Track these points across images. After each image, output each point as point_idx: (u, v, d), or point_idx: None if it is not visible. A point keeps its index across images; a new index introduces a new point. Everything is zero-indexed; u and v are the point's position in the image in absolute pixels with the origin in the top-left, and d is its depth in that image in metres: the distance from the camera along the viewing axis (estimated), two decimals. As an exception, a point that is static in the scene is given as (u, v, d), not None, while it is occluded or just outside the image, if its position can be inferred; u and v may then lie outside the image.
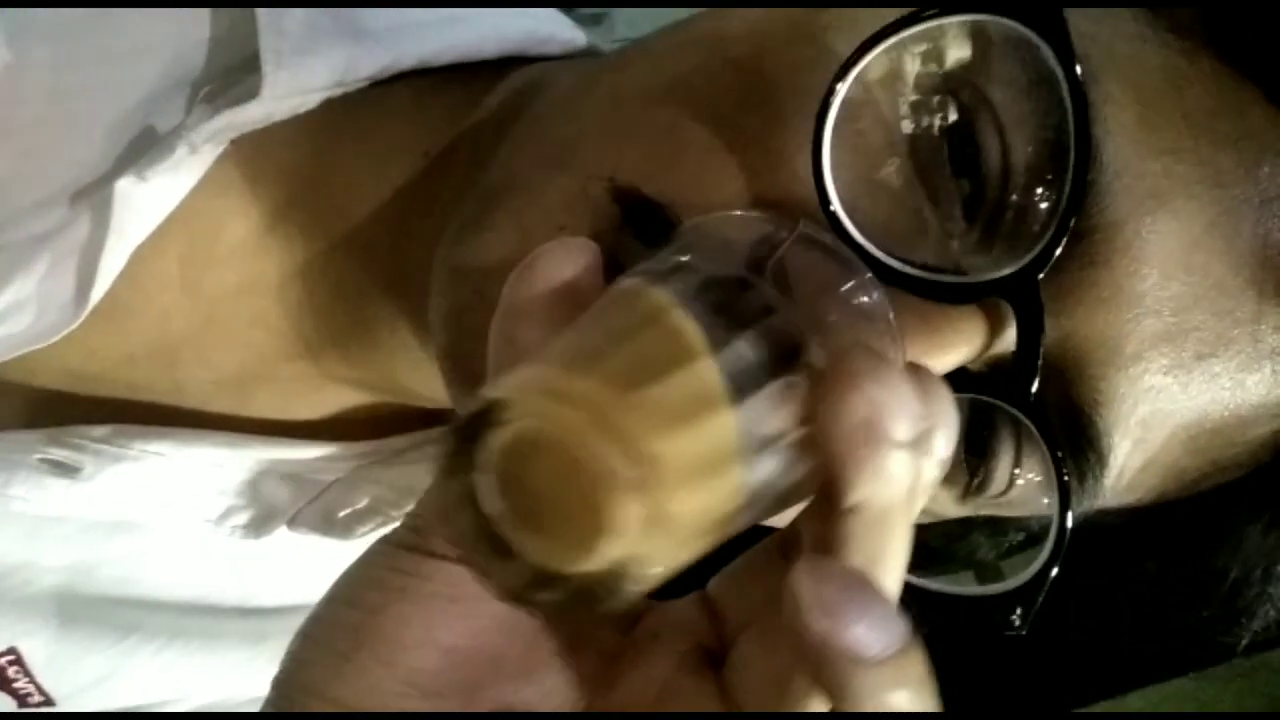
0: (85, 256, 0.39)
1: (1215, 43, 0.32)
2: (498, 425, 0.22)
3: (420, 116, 0.43)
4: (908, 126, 0.31)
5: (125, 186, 0.38)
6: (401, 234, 0.42)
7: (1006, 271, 0.30)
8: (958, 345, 0.30)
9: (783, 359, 0.23)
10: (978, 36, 0.31)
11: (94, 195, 0.39)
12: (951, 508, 0.35)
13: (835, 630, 0.22)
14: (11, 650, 0.42)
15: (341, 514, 0.44)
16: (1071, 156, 0.29)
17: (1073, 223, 0.29)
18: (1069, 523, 0.31)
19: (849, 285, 0.28)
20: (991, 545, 0.37)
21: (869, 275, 0.28)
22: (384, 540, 0.27)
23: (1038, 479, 0.32)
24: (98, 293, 0.39)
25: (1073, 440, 0.32)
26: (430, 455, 0.47)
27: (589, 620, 0.24)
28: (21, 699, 0.43)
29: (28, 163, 0.40)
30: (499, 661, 0.26)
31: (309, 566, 0.47)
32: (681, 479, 0.21)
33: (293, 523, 0.44)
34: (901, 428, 0.23)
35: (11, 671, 0.43)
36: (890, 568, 0.24)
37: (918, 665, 0.22)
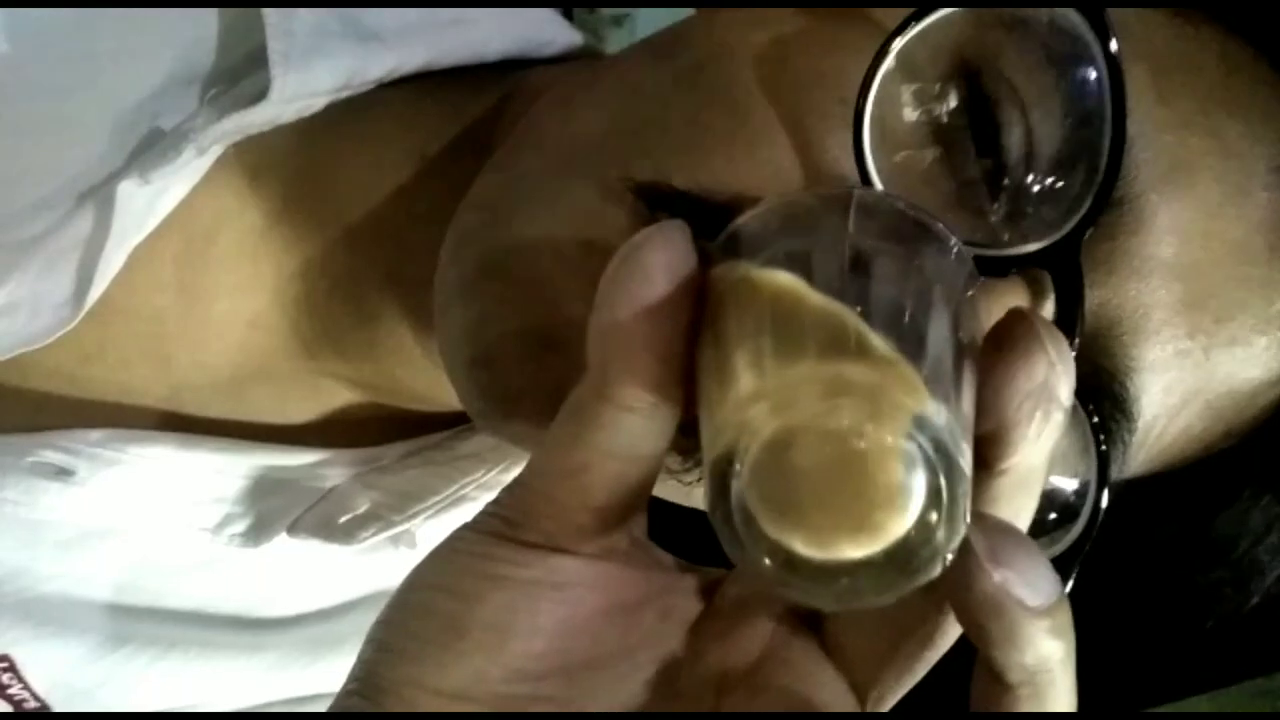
0: (85, 257, 0.39)
1: (1219, 14, 0.33)
2: (752, 435, 0.22)
3: (420, 118, 0.43)
4: (934, 110, 0.32)
5: (128, 188, 0.38)
6: (399, 234, 0.42)
7: (1046, 242, 0.31)
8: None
9: (953, 324, 0.24)
10: (1002, 16, 0.32)
11: (96, 195, 0.39)
12: None
13: (1011, 580, 0.23)
14: (5, 657, 0.42)
15: (342, 520, 0.44)
16: (1108, 130, 0.30)
17: (1108, 196, 0.30)
18: (1106, 488, 0.32)
19: (943, 244, 0.27)
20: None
21: (941, 226, 0.27)
22: (470, 529, 0.27)
23: (1072, 451, 0.33)
24: (95, 293, 0.39)
25: (1105, 406, 0.33)
26: (426, 460, 0.47)
27: (885, 599, 0.24)
28: (16, 705, 0.42)
29: (27, 161, 0.40)
30: (599, 641, 0.27)
31: (306, 577, 0.47)
32: (956, 441, 0.22)
33: (293, 529, 0.44)
34: (1065, 391, 0.24)
35: (6, 678, 0.42)
36: (1028, 524, 0.25)
37: (1069, 616, 0.24)
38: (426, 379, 0.43)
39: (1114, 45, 0.30)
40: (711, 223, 0.28)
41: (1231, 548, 0.39)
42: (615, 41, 1.22)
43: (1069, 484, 0.33)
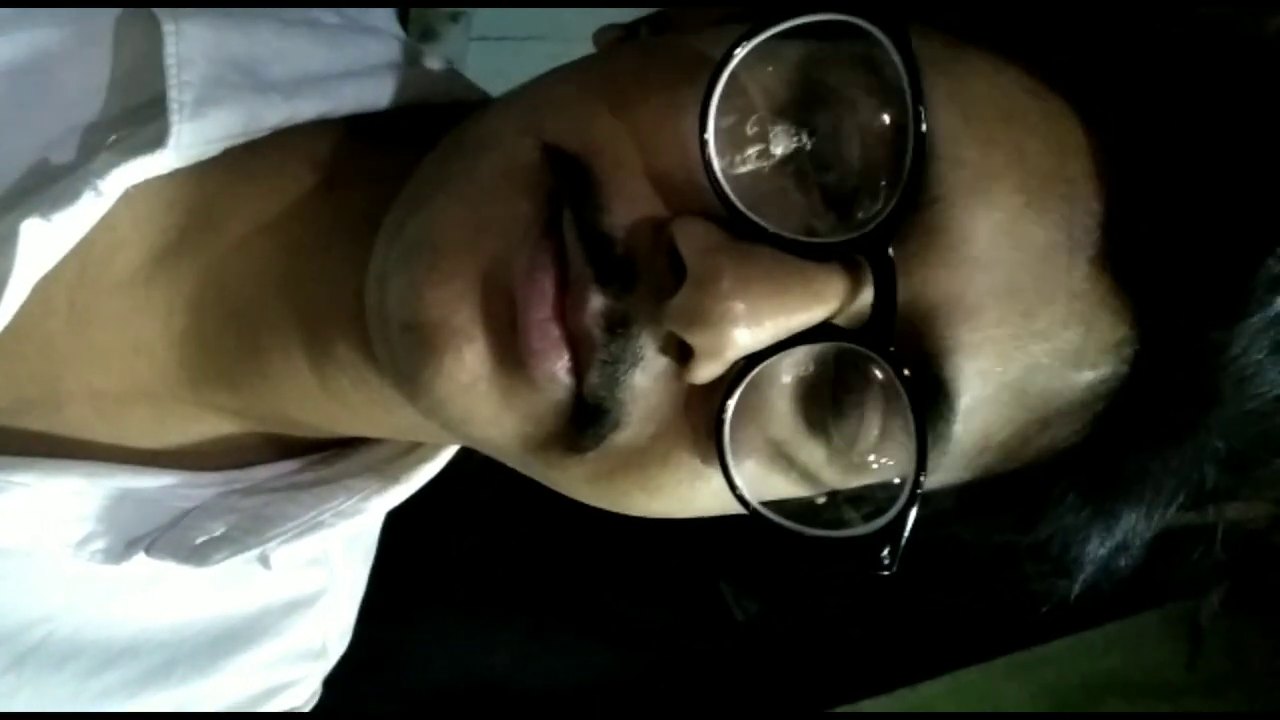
0: None
1: (1020, 50, 0.37)
2: None
3: (319, 157, 0.44)
4: (774, 121, 0.36)
5: (31, 226, 0.38)
6: (298, 266, 0.43)
7: (859, 233, 0.35)
8: (824, 296, 0.35)
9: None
10: (835, 43, 0.36)
11: None
12: (823, 467, 0.38)
13: None
14: None
15: (198, 541, 0.44)
16: (910, 141, 0.34)
17: (915, 196, 0.34)
18: (925, 462, 0.35)
19: None
20: (857, 513, 0.39)
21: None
22: None
23: (898, 442, 0.37)
24: None
25: (925, 388, 0.36)
26: (290, 484, 0.47)
27: None
28: None
29: None
30: None
31: (177, 594, 0.47)
32: None
33: (150, 549, 0.44)
34: None
35: None
36: None
37: None
38: (316, 408, 0.44)
39: (915, 69, 0.34)
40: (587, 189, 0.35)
41: (1052, 545, 0.42)
42: (451, 37, 1.23)
43: (897, 473, 0.37)
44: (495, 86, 0.46)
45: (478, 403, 0.37)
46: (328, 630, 0.52)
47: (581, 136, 0.37)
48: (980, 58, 0.37)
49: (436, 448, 0.48)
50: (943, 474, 0.39)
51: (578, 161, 0.36)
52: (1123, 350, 0.38)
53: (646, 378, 0.36)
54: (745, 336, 0.35)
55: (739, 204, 0.35)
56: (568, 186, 0.36)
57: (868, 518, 0.38)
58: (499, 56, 1.26)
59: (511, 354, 0.36)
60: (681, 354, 0.36)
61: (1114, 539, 0.42)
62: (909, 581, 0.38)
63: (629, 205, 0.36)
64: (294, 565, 0.46)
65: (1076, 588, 0.43)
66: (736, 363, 0.36)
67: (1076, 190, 0.36)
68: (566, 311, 0.36)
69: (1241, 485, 0.40)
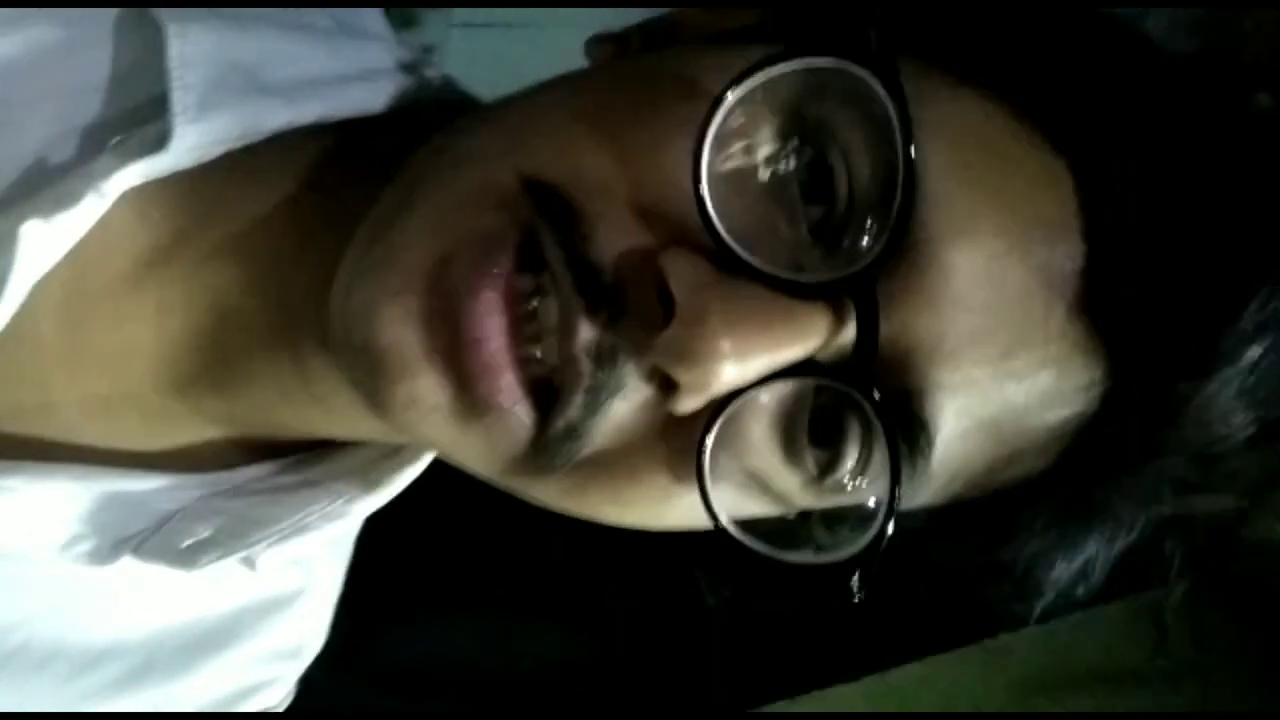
0: None
1: (1006, 92, 0.37)
2: None
3: (314, 161, 0.45)
4: (765, 154, 0.36)
5: (32, 227, 0.38)
6: (286, 269, 0.43)
7: (845, 273, 0.35)
8: (809, 334, 0.35)
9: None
10: (827, 80, 0.36)
11: None
12: (797, 493, 0.39)
13: None
14: None
15: (185, 544, 0.44)
16: (900, 181, 0.34)
17: (901, 238, 0.34)
18: (899, 487, 0.35)
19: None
20: (829, 534, 0.40)
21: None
22: None
23: (877, 470, 0.37)
24: None
25: (905, 425, 0.36)
26: (275, 486, 0.47)
27: None
28: None
29: None
30: None
31: (162, 594, 0.47)
32: None
33: (137, 551, 0.44)
34: None
35: None
36: None
37: None
38: (300, 412, 0.45)
39: (906, 115, 0.34)
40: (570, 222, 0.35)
41: (1015, 569, 0.43)
42: (432, 22, 1.23)
43: (874, 498, 0.37)
44: (476, 73, 0.47)
45: (438, 429, 0.37)
46: (304, 630, 0.53)
47: (564, 166, 0.37)
48: (972, 96, 0.38)
49: (418, 450, 0.48)
50: (914, 501, 0.40)
51: (557, 192, 0.36)
52: (1093, 390, 0.39)
53: (626, 405, 0.37)
54: (731, 373, 0.35)
55: (732, 243, 0.35)
56: (546, 215, 0.36)
57: (840, 539, 0.38)
58: (480, 43, 1.26)
59: (464, 382, 0.36)
60: (665, 385, 0.36)
61: (1075, 565, 0.42)
62: (881, 571, 0.39)
63: (615, 236, 0.36)
64: (276, 566, 0.46)
65: (1036, 611, 0.43)
66: (713, 401, 0.36)
67: (1057, 235, 0.37)
68: (546, 337, 0.36)
69: (1208, 479, 0.41)
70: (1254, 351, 0.38)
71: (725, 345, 0.34)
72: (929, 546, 0.43)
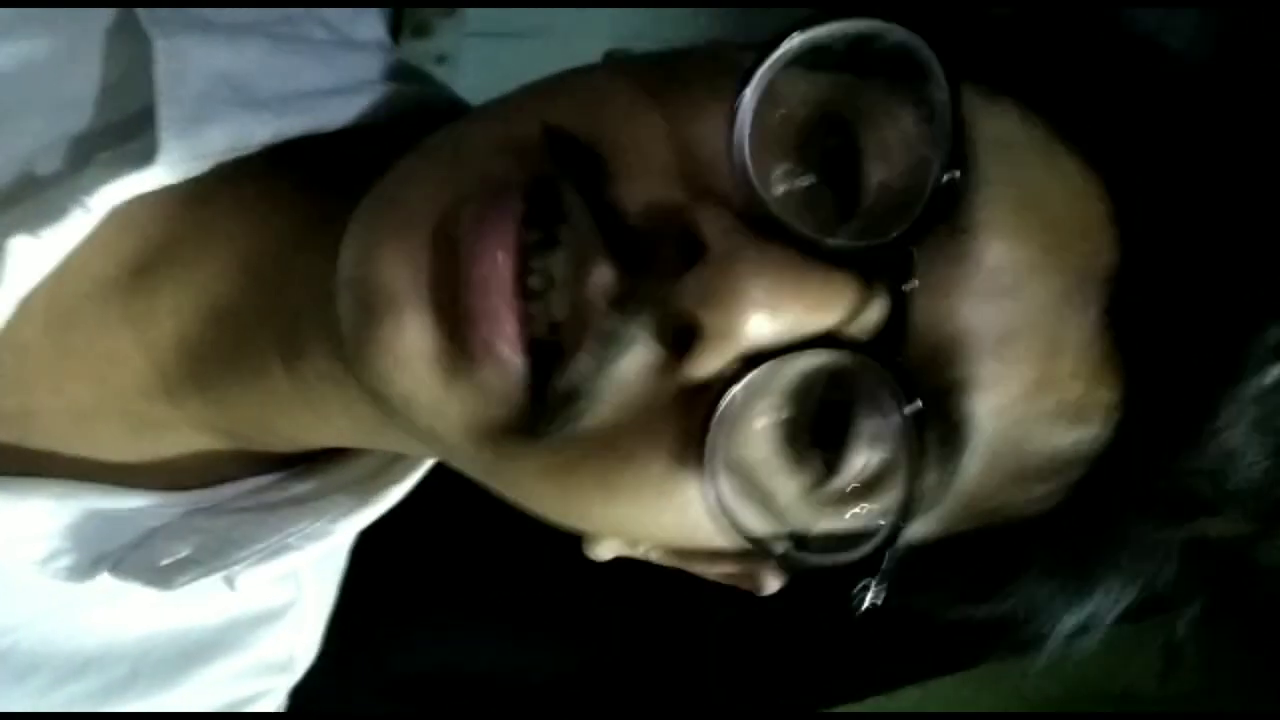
0: None
1: (1043, 100, 0.37)
2: None
3: (306, 173, 0.44)
4: (805, 129, 0.35)
5: (19, 243, 0.38)
6: (278, 271, 0.42)
7: (876, 241, 0.33)
8: (840, 299, 0.33)
9: None
10: (869, 48, 0.35)
11: None
12: (796, 505, 0.37)
13: None
14: None
15: (163, 563, 0.43)
16: (946, 150, 0.33)
17: (943, 210, 0.33)
18: (917, 490, 0.33)
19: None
20: (826, 548, 0.38)
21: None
22: None
23: (890, 484, 0.35)
24: None
25: (938, 425, 0.34)
26: (258, 504, 0.46)
27: None
28: None
29: None
30: None
31: (139, 609, 0.46)
32: None
33: (115, 569, 0.43)
34: None
35: None
36: None
37: None
38: (289, 415, 0.44)
39: (957, 82, 0.33)
40: (595, 175, 0.33)
41: (1015, 618, 0.41)
42: (446, 33, 1.23)
43: (876, 520, 0.35)
44: (490, 83, 0.45)
45: (419, 382, 0.35)
46: (295, 643, 0.52)
47: (595, 120, 0.35)
48: (1011, 107, 0.37)
49: (406, 469, 0.47)
50: (919, 526, 0.38)
51: (585, 145, 0.35)
52: (1110, 413, 0.38)
53: (634, 366, 0.35)
54: (760, 324, 0.33)
55: (764, 195, 0.34)
56: (567, 164, 0.35)
57: (845, 548, 0.37)
58: (494, 53, 1.25)
59: (457, 327, 0.34)
60: (679, 343, 0.34)
61: (1079, 617, 0.41)
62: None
63: (643, 186, 0.34)
64: (261, 584, 0.46)
65: (1040, 664, 0.42)
66: (731, 363, 0.34)
67: (1091, 243, 0.36)
68: (559, 286, 0.34)
69: (1223, 503, 0.39)
70: (1278, 369, 0.37)
71: (758, 290, 0.33)
72: (922, 593, 0.41)
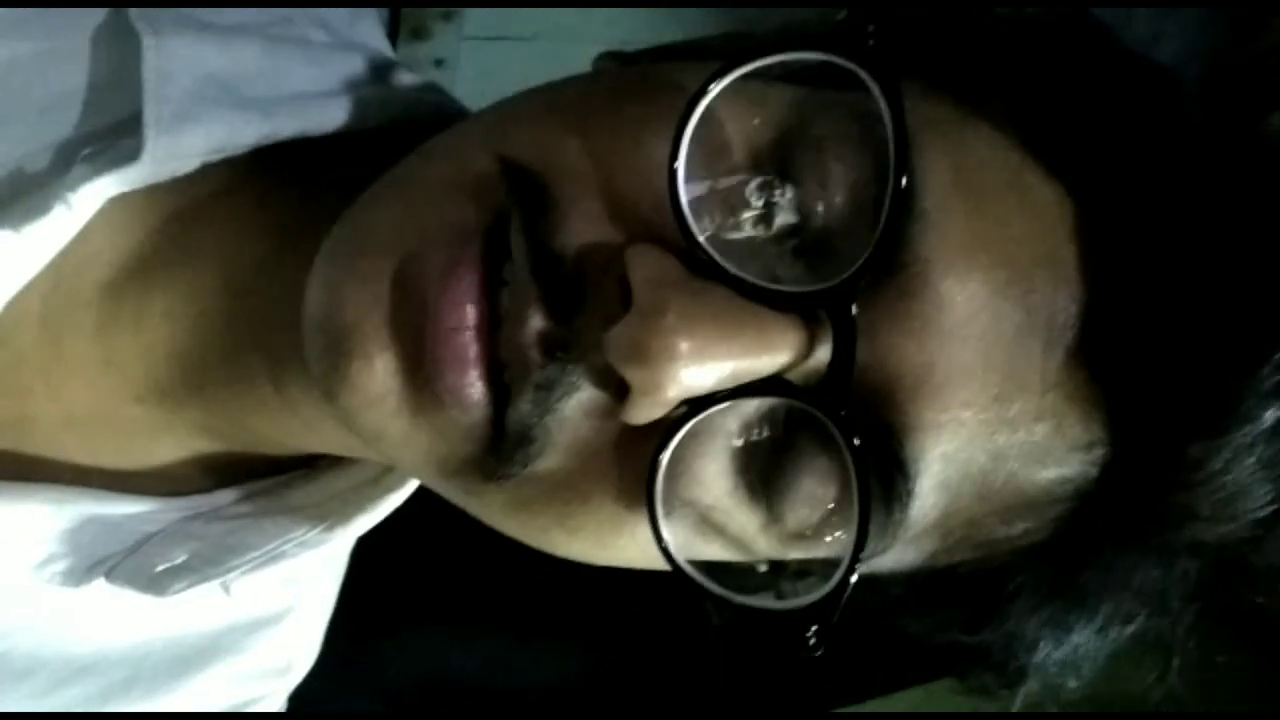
0: None
1: (1012, 120, 0.36)
2: None
3: (296, 175, 0.44)
4: (748, 163, 0.34)
5: (4, 239, 0.38)
6: (262, 279, 0.42)
7: (822, 286, 0.32)
8: (777, 346, 0.33)
9: None
10: (824, 87, 0.34)
11: None
12: (758, 537, 0.36)
13: None
14: None
15: (158, 569, 0.43)
16: (889, 190, 0.32)
17: (886, 254, 0.32)
18: (867, 530, 0.32)
19: None
20: (794, 583, 0.39)
21: None
22: None
23: (847, 520, 0.34)
24: None
25: (881, 465, 0.33)
26: (254, 510, 0.46)
27: None
28: None
29: None
30: None
31: (133, 615, 0.46)
32: None
33: (110, 576, 0.43)
34: None
35: None
36: None
37: None
38: (275, 422, 0.43)
39: (900, 113, 0.32)
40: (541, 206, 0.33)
41: (997, 651, 0.40)
42: (443, 36, 1.22)
43: (841, 550, 0.34)
44: (487, 87, 0.46)
45: (387, 419, 0.36)
46: (294, 647, 0.52)
47: (542, 151, 0.35)
48: (981, 124, 0.36)
49: (403, 476, 0.47)
50: (892, 558, 0.37)
51: (534, 177, 0.35)
52: (1093, 451, 0.36)
53: (579, 409, 0.35)
54: (686, 377, 0.32)
55: (700, 238, 0.33)
56: (519, 200, 0.34)
57: (806, 589, 0.36)
58: (492, 56, 1.25)
59: (421, 368, 0.34)
60: (619, 390, 0.34)
61: (1062, 654, 0.40)
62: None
63: (584, 226, 0.34)
64: (258, 589, 0.46)
65: (1019, 700, 0.41)
66: (678, 408, 0.34)
67: (1062, 275, 0.35)
68: (503, 326, 0.34)
69: (1225, 548, 0.38)
70: (1276, 413, 0.35)
71: (682, 345, 0.32)
72: (910, 618, 0.41)
